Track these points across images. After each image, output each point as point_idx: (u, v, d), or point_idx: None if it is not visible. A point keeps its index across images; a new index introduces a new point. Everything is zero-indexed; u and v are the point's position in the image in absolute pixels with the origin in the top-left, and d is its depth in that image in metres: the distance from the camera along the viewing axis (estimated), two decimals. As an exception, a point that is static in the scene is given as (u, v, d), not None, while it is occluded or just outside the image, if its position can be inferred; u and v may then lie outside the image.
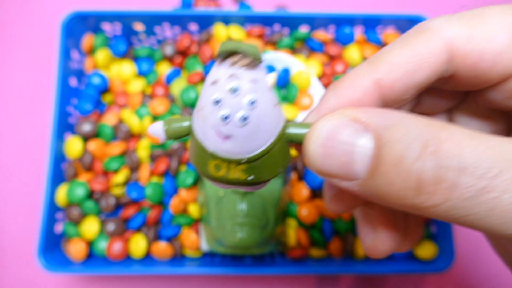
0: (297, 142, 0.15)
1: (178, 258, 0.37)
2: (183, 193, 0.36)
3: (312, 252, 0.36)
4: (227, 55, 0.14)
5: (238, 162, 0.14)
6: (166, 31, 0.41)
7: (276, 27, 0.40)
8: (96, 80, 0.40)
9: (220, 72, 0.14)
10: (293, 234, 0.36)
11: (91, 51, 0.41)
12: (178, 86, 0.40)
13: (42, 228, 0.34)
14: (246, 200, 0.30)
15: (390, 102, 0.16)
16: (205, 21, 0.40)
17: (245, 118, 0.14)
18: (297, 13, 0.39)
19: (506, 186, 0.12)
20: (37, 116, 0.45)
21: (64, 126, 0.38)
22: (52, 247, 0.35)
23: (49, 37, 0.47)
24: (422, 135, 0.12)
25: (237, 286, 0.40)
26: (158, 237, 0.37)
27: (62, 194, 0.36)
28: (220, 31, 0.39)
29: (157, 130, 0.16)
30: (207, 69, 0.39)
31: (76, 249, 0.35)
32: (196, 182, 0.36)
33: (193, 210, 0.36)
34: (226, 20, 0.39)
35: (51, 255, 0.35)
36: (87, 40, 0.40)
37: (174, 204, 0.36)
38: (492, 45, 0.14)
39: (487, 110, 0.18)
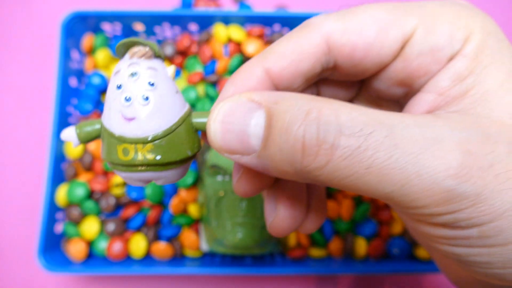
0: (202, 129, 0.16)
1: (178, 258, 0.37)
2: (183, 193, 0.36)
3: (312, 252, 0.36)
4: (125, 50, 0.16)
5: (144, 142, 0.15)
6: (166, 31, 0.41)
7: (276, 27, 0.40)
8: (96, 80, 0.40)
9: (121, 63, 0.16)
10: (293, 234, 0.36)
11: (91, 51, 0.41)
12: (178, 86, 0.40)
13: (42, 228, 0.34)
14: (246, 200, 0.30)
15: (282, 90, 0.17)
16: (205, 21, 0.40)
17: (146, 98, 0.15)
18: (297, 13, 0.39)
19: (379, 145, 0.13)
20: (37, 116, 0.45)
21: (64, 126, 0.38)
22: (52, 247, 0.35)
23: (49, 37, 0.47)
24: (305, 105, 0.14)
25: (237, 286, 0.40)
26: (158, 237, 0.37)
27: (62, 194, 0.36)
28: (220, 31, 0.39)
29: (69, 135, 0.17)
30: (207, 69, 0.39)
31: (76, 249, 0.35)
32: (196, 182, 0.36)
33: (193, 210, 0.36)
34: (226, 20, 0.39)
35: (51, 255, 0.35)
36: (87, 40, 0.40)
37: (174, 204, 0.36)
38: (362, 37, 0.16)
39: (381, 100, 0.19)
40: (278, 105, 0.14)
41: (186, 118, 0.16)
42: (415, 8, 0.16)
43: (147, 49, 0.16)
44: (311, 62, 0.17)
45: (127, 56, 0.16)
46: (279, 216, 0.18)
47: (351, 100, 0.20)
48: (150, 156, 0.15)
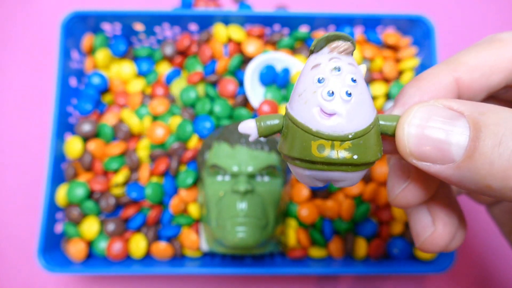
0: (388, 133, 0.16)
1: (178, 258, 0.37)
2: (183, 193, 0.36)
3: (312, 252, 0.36)
4: (325, 44, 0.15)
5: (343, 140, 0.14)
6: (166, 31, 0.41)
7: (276, 27, 0.40)
8: (96, 80, 0.40)
9: (320, 57, 0.15)
10: (293, 234, 0.36)
11: (91, 51, 0.41)
12: (178, 86, 0.40)
13: (42, 228, 0.34)
14: (246, 200, 0.30)
15: None
16: (205, 21, 0.40)
17: (349, 94, 0.14)
18: (297, 13, 0.39)
19: None
20: (37, 116, 0.45)
21: (64, 126, 0.38)
22: (52, 247, 0.35)
23: (49, 37, 0.47)
24: None
25: (237, 286, 0.40)
26: (158, 237, 0.37)
27: (62, 194, 0.36)
28: (220, 31, 0.39)
29: (250, 127, 0.16)
30: (207, 69, 0.39)
31: (76, 249, 0.35)
32: (196, 182, 0.36)
33: (193, 210, 0.36)
34: (226, 20, 0.39)
35: (51, 255, 0.35)
36: (87, 40, 0.40)
37: (174, 204, 0.36)
38: None
39: None
40: (486, 116, 0.13)
41: (377, 119, 0.15)
42: None
43: (348, 44, 0.15)
44: (501, 77, 0.16)
45: (326, 49, 0.15)
46: (438, 232, 0.17)
47: None
48: (347, 155, 0.15)
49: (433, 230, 0.17)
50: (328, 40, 0.15)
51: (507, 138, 0.13)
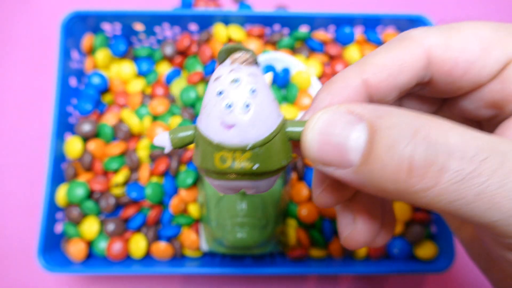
0: (296, 139, 0.16)
1: (178, 258, 0.37)
2: (183, 193, 0.36)
3: (312, 252, 0.36)
4: (227, 56, 0.16)
5: (243, 150, 0.15)
6: (166, 31, 0.41)
7: (276, 27, 0.40)
8: (96, 80, 0.40)
9: (221, 69, 0.16)
10: (293, 234, 0.36)
11: (91, 51, 0.41)
12: (178, 86, 0.40)
13: (42, 228, 0.34)
14: (246, 200, 0.30)
15: (375, 102, 0.17)
16: (205, 21, 0.40)
17: (247, 105, 0.15)
18: (297, 13, 0.39)
19: (493, 171, 0.12)
20: (37, 116, 0.45)
21: (64, 126, 0.38)
22: (52, 247, 0.35)
23: (49, 37, 0.47)
24: (412, 123, 0.13)
25: (237, 286, 0.40)
26: (158, 237, 0.37)
27: (62, 194, 0.36)
28: (220, 31, 0.39)
29: (163, 140, 0.16)
30: (207, 69, 0.39)
31: (76, 249, 0.35)
32: (196, 182, 0.36)
33: (193, 210, 0.36)
34: (226, 20, 0.39)
35: (51, 255, 0.35)
36: (87, 40, 0.40)
37: (174, 204, 0.36)
38: (465, 54, 0.16)
39: (461, 119, 0.19)
40: (383, 120, 0.14)
41: (282, 127, 0.16)
42: None
43: (248, 55, 0.16)
44: (410, 75, 0.16)
45: (228, 61, 0.16)
46: (357, 230, 0.18)
47: None
48: (247, 165, 0.15)
49: (353, 228, 0.18)
50: (229, 52, 0.16)
51: (398, 142, 0.13)
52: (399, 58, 0.16)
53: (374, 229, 0.18)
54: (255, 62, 0.16)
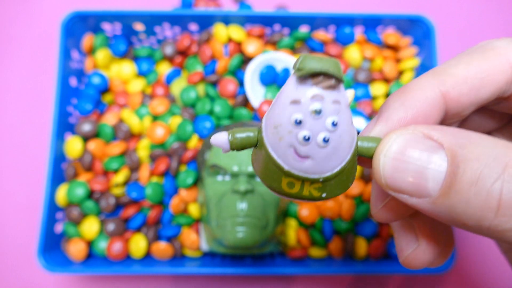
0: (366, 156, 0.15)
1: (178, 258, 0.37)
2: (183, 193, 0.36)
3: (312, 252, 0.36)
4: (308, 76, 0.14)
5: (313, 181, 0.14)
6: (166, 31, 0.41)
7: (276, 27, 0.40)
8: (96, 80, 0.40)
9: (301, 91, 0.14)
10: (293, 234, 0.36)
11: (91, 51, 0.41)
12: (178, 86, 0.40)
13: (42, 228, 0.34)
14: (246, 200, 0.30)
15: (449, 116, 0.16)
16: (205, 21, 0.40)
17: (326, 140, 0.14)
18: (297, 13, 0.39)
19: None
20: (37, 116, 0.45)
21: (64, 126, 0.38)
22: (52, 247, 0.35)
23: (49, 37, 0.47)
24: (501, 156, 0.12)
25: (237, 286, 0.40)
26: (158, 237, 0.37)
27: (62, 194, 0.36)
28: (220, 31, 0.39)
29: (221, 140, 0.15)
30: (207, 69, 0.39)
31: (76, 249, 0.35)
32: (196, 182, 0.36)
33: (193, 210, 0.36)
34: (226, 20, 0.39)
35: (51, 255, 0.35)
36: (87, 40, 0.40)
37: (174, 204, 0.36)
38: None
39: None
40: (466, 150, 0.12)
41: (355, 151, 0.15)
42: None
43: (333, 80, 0.13)
44: (492, 90, 0.15)
45: (309, 82, 0.13)
46: (421, 249, 0.17)
47: (490, 132, 0.19)
48: (316, 193, 0.15)
49: (416, 246, 0.17)
50: (312, 73, 0.14)
51: (484, 176, 0.12)
52: (482, 70, 0.15)
53: (438, 249, 0.17)
54: (340, 84, 0.14)
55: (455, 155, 0.12)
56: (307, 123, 0.13)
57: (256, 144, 0.15)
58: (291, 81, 0.14)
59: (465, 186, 0.12)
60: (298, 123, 0.13)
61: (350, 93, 0.15)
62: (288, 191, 0.15)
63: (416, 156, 0.13)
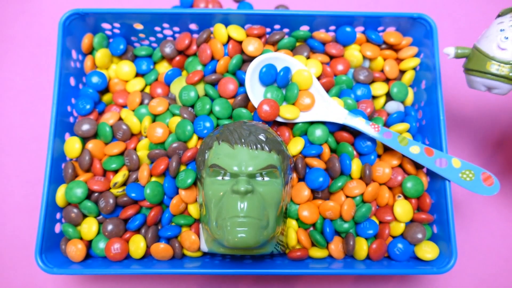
0: None
1: (178, 258, 0.36)
2: (183, 193, 0.36)
3: (313, 252, 0.36)
4: (508, 12, 0.30)
5: (506, 63, 0.29)
6: (166, 30, 0.41)
7: (276, 26, 0.40)
8: (95, 80, 0.40)
9: (504, 18, 0.30)
10: (293, 234, 0.36)
11: (91, 50, 0.41)
12: (177, 86, 0.39)
13: (42, 228, 0.34)
14: (246, 200, 0.30)
15: None
16: (205, 21, 0.39)
17: (506, 38, 0.29)
18: (298, 12, 0.38)
19: None
20: (37, 115, 0.45)
21: (63, 126, 0.38)
22: (52, 247, 0.35)
23: (48, 37, 0.47)
24: None
25: (237, 286, 0.40)
26: (157, 237, 0.36)
27: (61, 194, 0.36)
28: (220, 30, 0.39)
29: (449, 50, 0.32)
30: (206, 68, 0.39)
31: (75, 250, 0.35)
32: (196, 182, 0.36)
33: (193, 210, 0.36)
34: (226, 19, 0.39)
35: (50, 256, 0.35)
36: (87, 39, 0.40)
37: (173, 204, 0.36)
38: None
39: None
40: None
41: None
42: None
43: None
44: None
45: (509, 15, 0.30)
46: None
47: None
48: (507, 72, 0.29)
49: None
50: (511, 10, 0.30)
51: None
52: None
53: None
54: None
55: None
56: (507, 31, 0.29)
57: (469, 55, 0.32)
58: (497, 19, 0.31)
59: None
60: (502, 30, 0.30)
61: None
62: (489, 69, 0.30)
63: None
